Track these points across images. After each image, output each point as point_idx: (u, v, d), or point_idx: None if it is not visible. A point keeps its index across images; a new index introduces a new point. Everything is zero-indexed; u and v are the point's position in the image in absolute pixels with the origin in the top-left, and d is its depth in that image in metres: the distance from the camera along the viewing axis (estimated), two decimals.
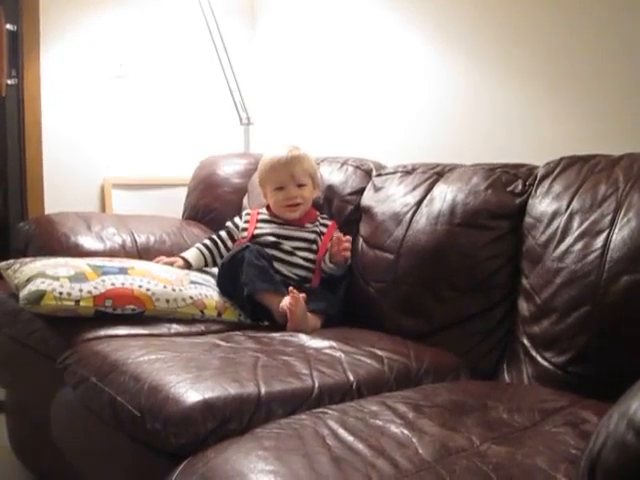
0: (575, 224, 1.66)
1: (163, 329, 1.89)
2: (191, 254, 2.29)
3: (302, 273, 2.13)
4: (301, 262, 2.14)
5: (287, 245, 2.15)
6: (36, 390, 1.98)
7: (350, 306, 2.10)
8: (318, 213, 2.27)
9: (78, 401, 1.60)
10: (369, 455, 1.11)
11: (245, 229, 2.27)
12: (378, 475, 1.04)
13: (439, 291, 1.90)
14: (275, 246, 2.15)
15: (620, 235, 1.55)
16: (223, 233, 2.33)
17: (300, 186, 2.21)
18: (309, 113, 3.05)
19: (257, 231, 2.22)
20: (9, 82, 2.82)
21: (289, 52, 3.17)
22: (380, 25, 2.71)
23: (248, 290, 1.95)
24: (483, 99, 2.33)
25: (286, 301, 1.89)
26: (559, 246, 1.66)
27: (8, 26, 2.79)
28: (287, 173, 2.20)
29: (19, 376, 2.10)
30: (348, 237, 2.07)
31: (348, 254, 2.08)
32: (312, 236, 2.18)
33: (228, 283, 2.04)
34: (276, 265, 2.11)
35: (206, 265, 2.28)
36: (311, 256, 2.15)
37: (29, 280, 1.90)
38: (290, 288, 1.88)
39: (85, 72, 2.95)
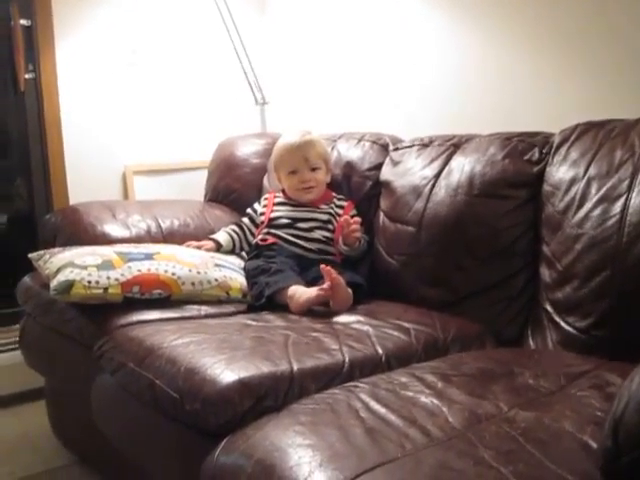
0: (593, 190, 1.68)
1: (193, 311, 1.95)
2: (220, 236, 2.36)
3: (323, 247, 2.19)
4: (320, 237, 2.19)
5: (303, 224, 2.21)
6: (74, 377, 2.04)
7: (375, 279, 2.14)
8: (334, 194, 2.31)
9: (117, 386, 1.66)
10: (401, 425, 1.15)
11: (263, 213, 2.33)
12: (411, 444, 1.09)
13: (461, 261, 1.94)
14: (291, 226, 2.21)
15: (638, 199, 1.57)
16: (245, 219, 2.40)
17: (314, 169, 2.26)
18: (323, 90, 3.06)
19: (273, 214, 2.28)
20: (27, 76, 2.86)
21: (300, 30, 3.18)
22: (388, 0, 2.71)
23: (268, 292, 1.95)
24: (496, 67, 2.33)
25: (312, 291, 1.89)
26: (578, 212, 1.69)
27: (22, 21, 2.82)
28: (300, 157, 2.26)
29: (57, 364, 2.16)
30: (356, 219, 2.12)
31: (358, 234, 2.12)
32: (325, 217, 2.23)
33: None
34: (296, 240, 2.18)
35: (234, 248, 2.34)
36: (329, 235, 2.20)
37: (58, 270, 1.96)
38: (322, 266, 1.88)
39: (100, 62, 2.97)
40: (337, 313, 1.83)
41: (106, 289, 1.89)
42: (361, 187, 2.31)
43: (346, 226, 2.09)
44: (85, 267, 1.94)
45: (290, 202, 2.30)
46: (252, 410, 1.31)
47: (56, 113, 2.88)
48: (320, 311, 1.87)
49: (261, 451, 1.12)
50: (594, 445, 1.06)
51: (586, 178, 1.71)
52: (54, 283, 1.91)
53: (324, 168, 2.29)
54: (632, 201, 1.58)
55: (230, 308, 2.00)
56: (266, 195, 2.44)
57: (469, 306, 1.91)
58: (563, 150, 1.82)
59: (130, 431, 1.63)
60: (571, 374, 1.40)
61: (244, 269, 2.15)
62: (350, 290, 1.92)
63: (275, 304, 1.93)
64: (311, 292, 1.88)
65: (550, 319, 1.72)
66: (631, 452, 0.81)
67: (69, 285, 1.88)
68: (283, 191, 2.35)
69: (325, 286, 1.85)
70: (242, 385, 1.34)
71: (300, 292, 1.89)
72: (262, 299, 1.95)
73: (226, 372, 1.37)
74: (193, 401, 1.35)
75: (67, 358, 2.06)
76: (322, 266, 1.89)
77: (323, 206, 2.26)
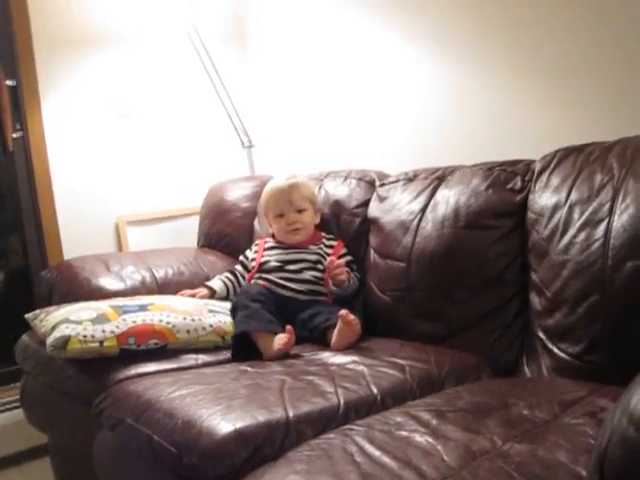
0: (576, 215, 1.69)
1: (190, 361, 1.96)
2: (214, 283, 2.39)
3: (313, 287, 2.20)
4: (310, 278, 2.21)
5: (292, 266, 2.23)
6: (75, 433, 2.05)
7: (369, 316, 2.15)
8: (324, 234, 2.33)
9: (117, 442, 1.66)
10: (396, 468, 1.15)
11: (254, 259, 2.36)
12: None
13: (452, 293, 1.95)
14: (280, 269, 2.24)
15: (620, 222, 1.58)
16: (238, 267, 2.44)
17: (299, 211, 2.29)
18: (309, 130, 3.09)
19: (263, 259, 2.31)
20: (15, 136, 2.89)
21: (282, 71, 3.22)
22: (372, 37, 2.74)
23: (234, 331, 2.01)
24: (477, 99, 2.36)
25: (283, 337, 1.93)
26: (562, 238, 1.70)
27: (8, 82, 2.86)
28: (286, 200, 2.30)
29: (58, 421, 2.17)
30: (339, 261, 2.15)
31: (343, 276, 2.14)
32: (314, 257, 2.25)
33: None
34: (286, 283, 2.19)
35: (227, 295, 2.37)
36: (319, 274, 2.21)
37: (54, 327, 1.98)
38: (342, 313, 1.90)
39: (86, 116, 3.01)
40: (333, 354, 1.84)
41: (102, 342, 1.91)
42: (350, 225, 2.33)
43: (330, 269, 2.12)
44: (80, 322, 1.95)
45: (279, 246, 2.32)
46: (250, 460, 1.32)
47: (45, 170, 2.91)
48: (316, 353, 1.88)
49: None
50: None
51: (568, 204, 1.73)
52: (50, 340, 1.93)
53: (311, 209, 2.31)
54: (614, 224, 1.59)
55: (227, 355, 2.01)
56: (257, 241, 2.47)
57: (464, 337, 1.92)
58: (544, 177, 1.84)
59: None
60: (565, 402, 1.40)
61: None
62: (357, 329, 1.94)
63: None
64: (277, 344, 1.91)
65: (543, 346, 1.73)
66: None
67: (65, 341, 1.89)
68: (273, 235, 2.37)
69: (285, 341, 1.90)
70: (239, 436, 1.35)
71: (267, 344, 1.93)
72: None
73: (222, 423, 1.38)
74: (190, 454, 1.35)
75: (68, 415, 2.07)
76: (342, 313, 1.90)
77: (312, 247, 2.28)
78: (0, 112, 2.88)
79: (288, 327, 1.94)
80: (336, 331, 1.92)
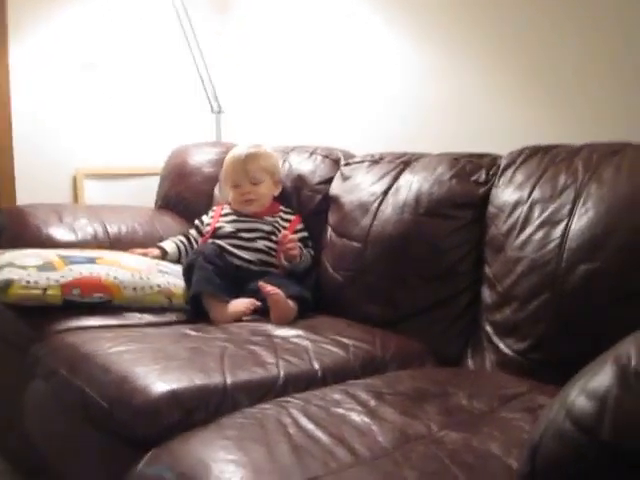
0: (536, 214, 1.69)
1: (134, 319, 1.92)
2: (167, 244, 2.36)
3: (264, 258, 2.18)
4: (263, 248, 2.19)
5: (246, 234, 2.21)
6: (8, 380, 2.00)
7: (320, 294, 2.13)
8: (282, 208, 2.31)
9: (49, 392, 1.63)
10: (328, 443, 1.14)
11: (209, 224, 2.34)
12: (336, 463, 1.08)
13: (405, 279, 1.94)
14: (234, 236, 2.22)
15: (578, 225, 1.59)
16: (192, 231, 2.41)
17: (255, 184, 2.27)
18: (280, 101, 3.06)
19: (218, 224, 2.29)
20: None
21: (259, 40, 3.17)
22: (348, 12, 2.72)
23: (192, 290, 1.99)
24: (450, 88, 2.35)
25: (244, 302, 1.96)
26: (520, 235, 1.70)
27: None
28: (242, 170, 2.29)
29: None
30: (292, 236, 2.14)
31: (294, 252, 2.13)
32: (269, 227, 2.23)
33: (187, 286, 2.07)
34: (238, 252, 2.17)
35: (179, 258, 2.33)
36: (272, 245, 2.20)
37: None
38: (260, 283, 1.92)
39: (54, 64, 2.93)
40: (279, 327, 1.82)
41: (45, 290, 1.86)
42: (310, 201, 2.31)
43: (282, 243, 2.11)
44: (25, 267, 1.91)
45: (235, 213, 2.30)
46: (181, 422, 1.29)
47: (7, 113, 2.84)
48: (262, 324, 1.85)
49: (184, 465, 1.11)
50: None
51: (529, 201, 1.73)
52: None
53: (268, 181, 2.29)
54: (572, 226, 1.59)
55: (172, 317, 1.98)
56: (214, 207, 2.44)
57: (411, 324, 1.91)
58: (509, 172, 1.84)
59: (60, 439, 1.60)
60: (505, 396, 1.40)
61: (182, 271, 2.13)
62: (293, 304, 1.93)
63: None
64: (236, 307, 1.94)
65: (489, 340, 1.73)
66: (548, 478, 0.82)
67: (7, 284, 1.85)
68: (229, 202, 2.34)
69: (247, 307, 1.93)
70: (173, 396, 1.32)
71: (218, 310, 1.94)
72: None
73: (158, 383, 1.35)
74: (122, 411, 1.33)
75: (2, 361, 2.03)
76: (260, 283, 1.91)
77: (268, 218, 2.26)
78: None
79: (251, 299, 1.96)
80: (271, 310, 1.91)
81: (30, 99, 2.89)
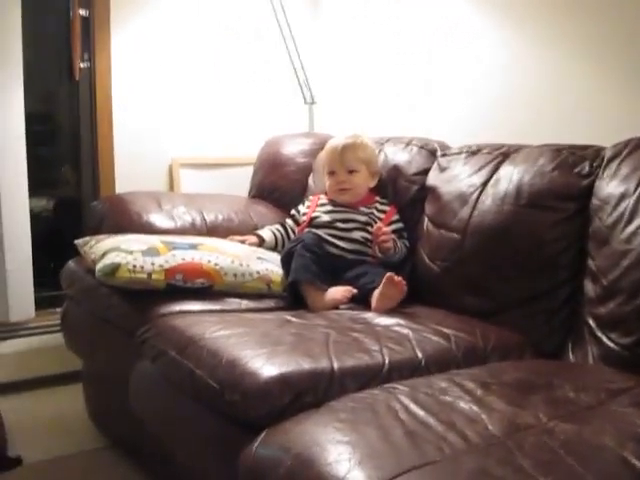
0: None
1: (234, 305, 1.97)
2: (264, 232, 2.40)
3: (360, 248, 2.20)
4: (359, 238, 2.21)
5: (342, 225, 2.23)
6: (114, 361, 2.07)
7: (416, 284, 2.13)
8: (378, 198, 2.32)
9: (157, 373, 1.68)
10: (440, 429, 1.15)
11: (305, 214, 2.37)
12: (450, 448, 1.09)
13: (504, 271, 1.93)
14: (330, 225, 2.24)
15: None
16: (289, 220, 2.44)
17: (351, 172, 2.28)
18: (372, 92, 3.07)
19: (315, 214, 2.32)
20: (82, 65, 2.91)
21: (352, 31, 3.19)
22: (443, 5, 2.71)
23: (291, 278, 2.03)
24: (544, 75, 2.32)
25: (341, 290, 2.00)
26: (626, 228, 1.67)
27: (81, 11, 2.87)
28: (338, 159, 2.30)
29: (97, 348, 2.20)
30: (385, 229, 2.13)
31: (388, 245, 2.13)
32: (364, 218, 2.25)
33: (286, 273, 2.10)
34: (335, 241, 2.20)
35: (276, 246, 2.37)
36: (368, 236, 2.21)
37: (104, 254, 2.01)
38: (389, 275, 1.89)
39: (153, 54, 3.02)
40: (377, 315, 1.83)
41: (150, 274, 1.92)
42: (407, 191, 2.31)
43: (376, 236, 2.12)
44: (131, 252, 1.98)
45: (331, 203, 2.32)
46: (291, 405, 1.32)
47: (108, 103, 2.93)
48: (360, 312, 1.87)
49: (300, 445, 1.13)
50: (635, 462, 1.05)
51: (636, 194, 1.69)
52: (100, 265, 1.96)
53: (364, 171, 2.30)
54: None
55: (270, 303, 2.02)
56: (311, 197, 2.47)
57: (510, 316, 1.90)
58: (614, 165, 1.80)
59: (168, 419, 1.65)
60: (612, 390, 1.39)
61: (280, 260, 2.17)
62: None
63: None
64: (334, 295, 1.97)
65: (592, 334, 1.71)
66: None
67: (114, 268, 1.92)
68: (326, 193, 2.37)
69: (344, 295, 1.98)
70: (282, 380, 1.35)
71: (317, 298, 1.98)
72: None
73: (267, 366, 1.39)
74: (233, 392, 1.36)
75: (108, 343, 2.09)
76: (389, 275, 1.89)
77: (363, 208, 2.28)
78: (70, 40, 2.89)
79: (348, 287, 1.99)
80: (377, 294, 1.91)
81: (130, 88, 2.99)
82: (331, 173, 2.33)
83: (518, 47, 2.43)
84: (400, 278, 1.90)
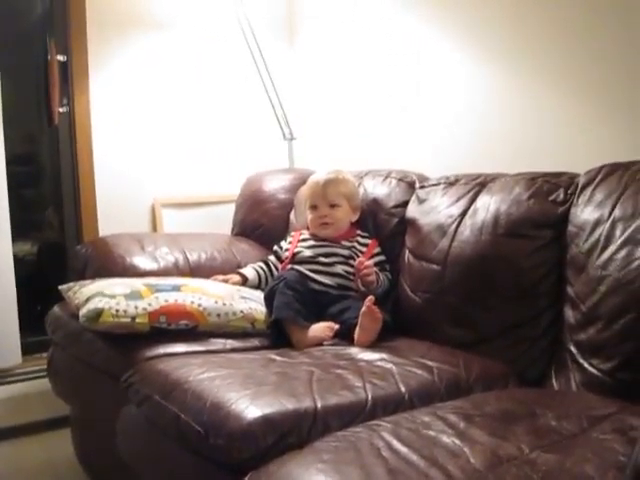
0: (618, 232, 1.68)
1: (219, 345, 1.97)
2: (247, 271, 2.41)
3: (343, 282, 2.21)
4: (341, 272, 2.23)
5: (324, 259, 2.25)
6: (100, 406, 2.07)
7: (399, 316, 2.15)
8: (359, 232, 2.34)
9: (143, 418, 1.68)
10: (423, 465, 1.16)
11: (288, 249, 2.38)
12: None
13: (485, 300, 1.94)
14: (312, 260, 2.26)
15: None
16: (272, 257, 2.46)
17: (333, 206, 2.31)
18: (351, 126, 3.10)
19: (297, 249, 2.34)
20: (61, 110, 2.94)
21: (328, 66, 3.23)
22: (416, 37, 2.75)
23: (273, 316, 2.04)
24: (521, 107, 2.36)
25: (323, 327, 2.00)
26: (602, 254, 1.69)
27: (59, 57, 2.91)
28: (321, 193, 2.33)
29: (84, 393, 2.19)
30: (367, 262, 2.15)
31: (370, 279, 2.14)
32: (346, 252, 2.27)
33: (269, 311, 2.11)
34: (317, 277, 2.21)
35: (259, 284, 2.38)
36: (350, 270, 2.22)
37: (88, 299, 2.01)
38: (369, 298, 1.92)
39: (131, 96, 3.05)
40: (361, 350, 1.84)
41: (134, 318, 1.93)
42: (387, 224, 2.33)
43: (358, 270, 2.13)
44: (114, 296, 1.98)
45: (313, 238, 2.34)
46: (275, 446, 1.33)
47: (88, 146, 2.96)
48: (344, 348, 1.88)
49: None
50: None
51: (611, 220, 1.71)
52: (83, 311, 1.96)
53: (346, 206, 2.33)
54: None
55: (255, 342, 2.03)
56: (293, 233, 2.49)
57: (493, 345, 1.91)
58: (588, 191, 1.83)
59: (154, 463, 1.64)
60: (594, 417, 1.39)
61: (264, 297, 2.18)
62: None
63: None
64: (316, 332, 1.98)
65: (574, 360, 1.72)
66: None
67: (98, 313, 1.92)
68: (308, 227, 2.39)
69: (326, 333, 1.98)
70: (266, 421, 1.35)
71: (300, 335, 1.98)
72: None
73: (251, 408, 1.39)
74: (217, 436, 1.36)
75: (94, 388, 2.09)
76: (369, 299, 1.91)
77: (345, 242, 2.29)
78: (49, 86, 2.92)
79: (329, 323, 2.01)
80: (358, 326, 1.93)
81: (109, 131, 3.02)
82: (313, 207, 2.35)
83: (494, 80, 2.46)
84: (374, 307, 1.91)
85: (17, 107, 2.99)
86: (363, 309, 1.91)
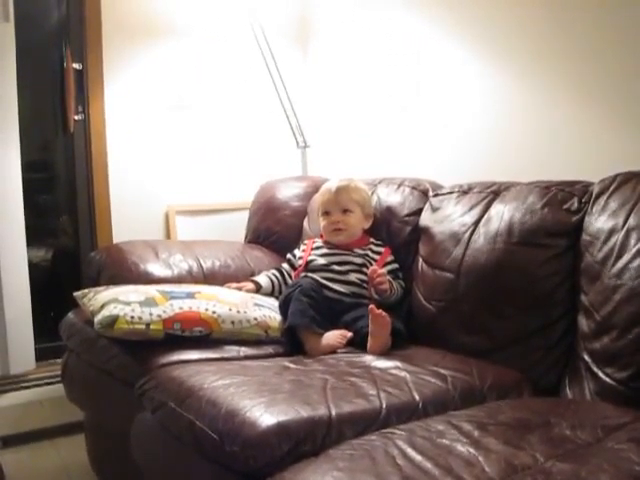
0: (632, 241, 1.68)
1: (233, 352, 1.98)
2: (260, 278, 2.42)
3: (357, 290, 2.22)
4: (355, 280, 2.23)
5: (338, 267, 2.25)
6: (115, 413, 2.07)
7: (412, 324, 2.15)
8: (372, 240, 2.35)
9: (157, 424, 1.69)
10: (437, 474, 1.16)
11: (301, 257, 2.39)
12: None
13: (499, 309, 1.94)
14: (326, 269, 2.27)
15: None
16: (285, 265, 2.47)
17: (345, 212, 2.32)
18: (364, 134, 3.11)
19: (310, 257, 2.35)
20: (76, 118, 2.96)
21: (341, 74, 3.24)
22: (430, 45, 2.76)
23: (287, 322, 2.06)
24: (535, 115, 2.36)
25: (336, 335, 2.01)
26: (617, 263, 1.69)
27: (74, 65, 2.93)
28: (333, 199, 2.35)
29: (98, 400, 2.20)
30: (380, 271, 2.15)
31: (384, 286, 2.15)
32: (359, 260, 2.27)
33: (283, 318, 2.12)
34: (331, 284, 2.22)
35: (273, 291, 2.39)
36: (364, 277, 2.23)
37: (103, 306, 2.02)
38: (371, 306, 1.93)
39: (146, 104, 3.07)
40: (375, 358, 1.85)
41: (149, 325, 1.94)
42: (400, 232, 2.34)
43: (372, 278, 2.14)
44: (129, 303, 1.99)
45: (326, 246, 2.35)
46: (290, 454, 1.33)
47: (103, 153, 2.97)
48: (358, 356, 1.89)
49: None
50: None
51: (625, 229, 1.71)
52: (98, 317, 1.97)
53: (359, 213, 2.34)
54: None
55: (269, 350, 2.03)
56: (306, 240, 2.50)
57: (506, 354, 1.91)
58: (602, 200, 1.83)
59: (168, 469, 1.65)
60: (609, 426, 1.39)
61: (279, 305, 2.19)
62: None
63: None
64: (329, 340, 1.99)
65: (588, 369, 1.72)
66: None
67: (113, 320, 1.93)
68: (321, 235, 2.40)
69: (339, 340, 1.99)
70: (281, 429, 1.36)
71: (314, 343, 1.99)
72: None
73: (266, 415, 1.39)
74: (232, 443, 1.37)
75: (108, 394, 2.10)
76: (370, 307, 1.92)
77: (358, 250, 2.30)
78: (64, 94, 2.94)
79: (343, 331, 2.02)
80: (370, 334, 1.94)
81: (124, 138, 3.04)
82: (326, 213, 2.36)
83: (509, 90, 2.46)
84: (380, 310, 1.92)
85: (33, 114, 3.02)
86: (370, 317, 1.92)
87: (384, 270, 2.19)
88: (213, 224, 3.20)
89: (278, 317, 2.13)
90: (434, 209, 2.25)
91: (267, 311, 2.13)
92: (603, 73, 2.15)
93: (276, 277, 2.41)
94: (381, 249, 2.32)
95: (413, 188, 2.40)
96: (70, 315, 2.40)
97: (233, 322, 2.02)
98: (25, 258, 2.79)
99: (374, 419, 1.46)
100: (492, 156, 2.51)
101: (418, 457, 1.23)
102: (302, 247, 2.45)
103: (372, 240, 2.34)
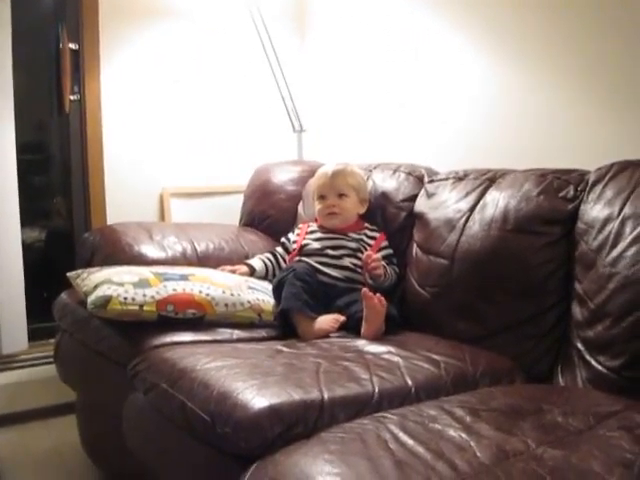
0: (627, 229, 1.68)
1: (226, 335, 1.98)
2: (254, 262, 2.41)
3: (351, 275, 2.22)
4: (349, 265, 2.23)
5: (332, 252, 2.25)
6: (107, 394, 2.07)
7: (405, 310, 2.15)
8: (367, 225, 2.34)
9: (149, 406, 1.69)
10: (429, 458, 1.16)
11: (295, 241, 2.39)
12: (438, 478, 1.09)
13: (492, 295, 1.94)
14: (320, 253, 2.27)
15: None
16: (279, 248, 2.46)
17: (340, 196, 2.31)
18: (361, 119, 3.10)
19: (305, 242, 2.34)
20: (72, 98, 2.94)
21: (339, 58, 3.23)
22: (429, 31, 2.75)
23: (281, 306, 2.05)
24: (532, 103, 2.36)
25: (330, 319, 2.00)
26: (612, 252, 1.69)
27: (71, 45, 2.91)
28: (329, 183, 2.34)
29: (90, 380, 2.20)
30: (375, 256, 2.14)
31: (379, 271, 2.14)
32: (354, 245, 2.27)
33: (277, 302, 2.12)
34: (325, 269, 2.22)
35: (266, 275, 2.38)
36: (358, 262, 2.22)
37: (96, 287, 2.01)
38: (364, 290, 1.93)
39: (142, 85, 3.05)
40: (368, 343, 1.85)
41: (142, 306, 1.93)
42: (395, 218, 2.34)
43: (366, 263, 2.13)
44: (122, 284, 1.98)
45: (321, 230, 2.34)
46: (282, 436, 1.33)
47: (98, 134, 2.96)
48: (351, 340, 1.89)
49: (290, 478, 1.14)
50: None
51: (621, 217, 1.71)
52: (92, 298, 1.96)
53: (354, 197, 2.33)
54: None
55: (262, 333, 2.03)
56: (300, 225, 2.49)
57: (500, 341, 1.91)
58: (598, 188, 1.82)
59: (160, 451, 1.65)
60: (600, 414, 1.40)
61: (272, 289, 2.19)
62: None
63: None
64: (322, 324, 1.98)
65: (581, 357, 1.72)
66: None
67: (106, 300, 1.92)
68: (316, 220, 2.39)
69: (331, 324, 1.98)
70: (273, 411, 1.36)
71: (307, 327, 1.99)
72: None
73: (257, 398, 1.39)
74: (224, 425, 1.37)
75: (100, 375, 2.10)
76: (364, 290, 1.92)
77: (353, 234, 2.30)
78: (60, 74, 2.92)
79: (336, 315, 2.01)
80: (364, 319, 1.93)
81: (120, 120, 3.02)
82: (321, 197, 2.36)
83: (506, 76, 2.45)
84: (378, 294, 1.92)
85: (28, 95, 3.00)
86: (364, 302, 1.91)
87: (379, 255, 2.18)
88: (208, 207, 3.19)
89: (271, 301, 2.12)
90: (429, 195, 2.24)
91: (260, 294, 2.13)
92: (601, 63, 2.14)
93: (270, 261, 2.41)
94: (376, 234, 2.31)
95: (408, 174, 2.39)
96: (63, 295, 2.39)
97: (227, 305, 2.02)
98: (19, 239, 2.78)
99: (366, 403, 1.46)
100: (488, 143, 2.51)
101: (410, 441, 1.23)
102: (296, 231, 2.44)
103: (367, 225, 2.34)
